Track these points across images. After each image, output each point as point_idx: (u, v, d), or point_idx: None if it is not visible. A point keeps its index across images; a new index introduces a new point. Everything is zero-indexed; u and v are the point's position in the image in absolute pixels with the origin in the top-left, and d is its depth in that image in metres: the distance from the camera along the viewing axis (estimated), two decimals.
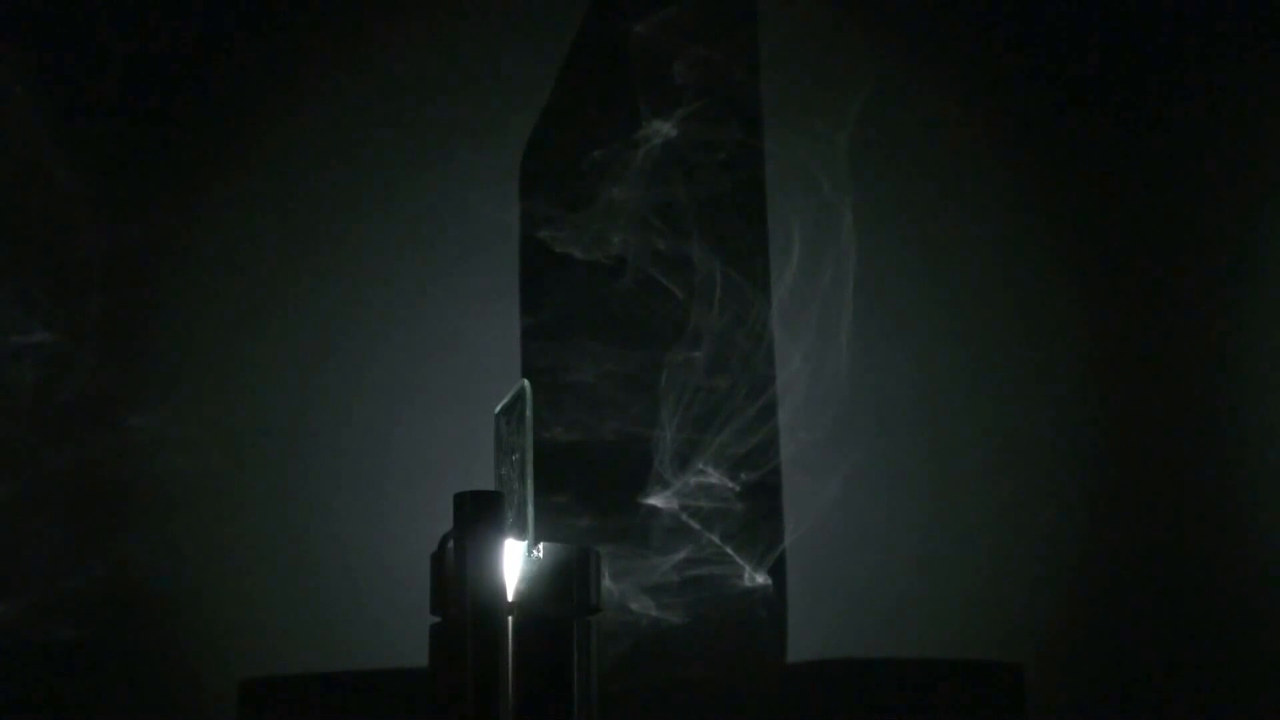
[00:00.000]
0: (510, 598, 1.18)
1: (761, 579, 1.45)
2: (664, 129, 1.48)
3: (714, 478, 1.46)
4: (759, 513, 1.46)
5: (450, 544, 1.18)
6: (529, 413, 1.21)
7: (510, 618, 1.18)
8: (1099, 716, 1.46)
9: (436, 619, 1.21)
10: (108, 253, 1.47)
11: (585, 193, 1.48)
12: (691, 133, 1.49)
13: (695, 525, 1.45)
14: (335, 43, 1.52)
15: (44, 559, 1.45)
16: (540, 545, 1.20)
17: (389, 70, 1.52)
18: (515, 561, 1.19)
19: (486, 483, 1.22)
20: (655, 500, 1.44)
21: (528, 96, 1.51)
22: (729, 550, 1.45)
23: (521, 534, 1.20)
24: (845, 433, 1.48)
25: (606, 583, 1.40)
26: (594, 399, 1.46)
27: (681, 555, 1.44)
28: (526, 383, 1.22)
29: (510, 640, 1.18)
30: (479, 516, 1.16)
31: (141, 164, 1.49)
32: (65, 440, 1.45)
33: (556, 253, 1.48)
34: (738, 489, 1.46)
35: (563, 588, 1.20)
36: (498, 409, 1.27)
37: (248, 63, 1.51)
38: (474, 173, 1.50)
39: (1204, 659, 1.46)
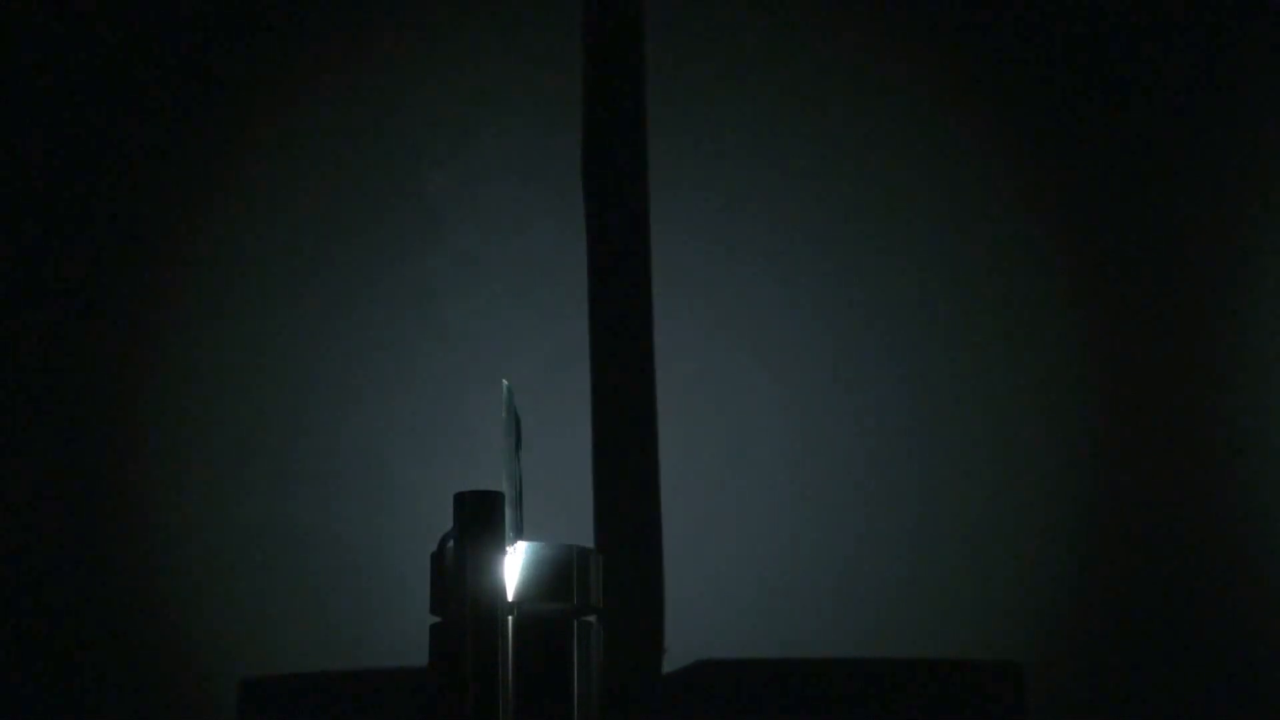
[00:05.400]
0: (510, 597, 1.18)
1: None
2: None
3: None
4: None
5: (450, 544, 1.18)
6: (505, 413, 1.22)
7: (510, 617, 1.18)
8: (1099, 716, 1.46)
9: (436, 619, 1.21)
10: None
11: (629, 196, 1.48)
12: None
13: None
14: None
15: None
16: (519, 543, 1.20)
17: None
18: (515, 561, 1.19)
19: (494, 484, 1.22)
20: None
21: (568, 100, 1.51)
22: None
23: (518, 534, 1.20)
24: (846, 431, 1.48)
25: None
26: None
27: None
28: (505, 382, 1.22)
29: (510, 640, 1.18)
30: (479, 516, 1.16)
31: None
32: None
33: (594, 253, 1.48)
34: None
35: (563, 587, 1.20)
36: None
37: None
38: (500, 174, 1.50)
39: (1205, 659, 1.46)
